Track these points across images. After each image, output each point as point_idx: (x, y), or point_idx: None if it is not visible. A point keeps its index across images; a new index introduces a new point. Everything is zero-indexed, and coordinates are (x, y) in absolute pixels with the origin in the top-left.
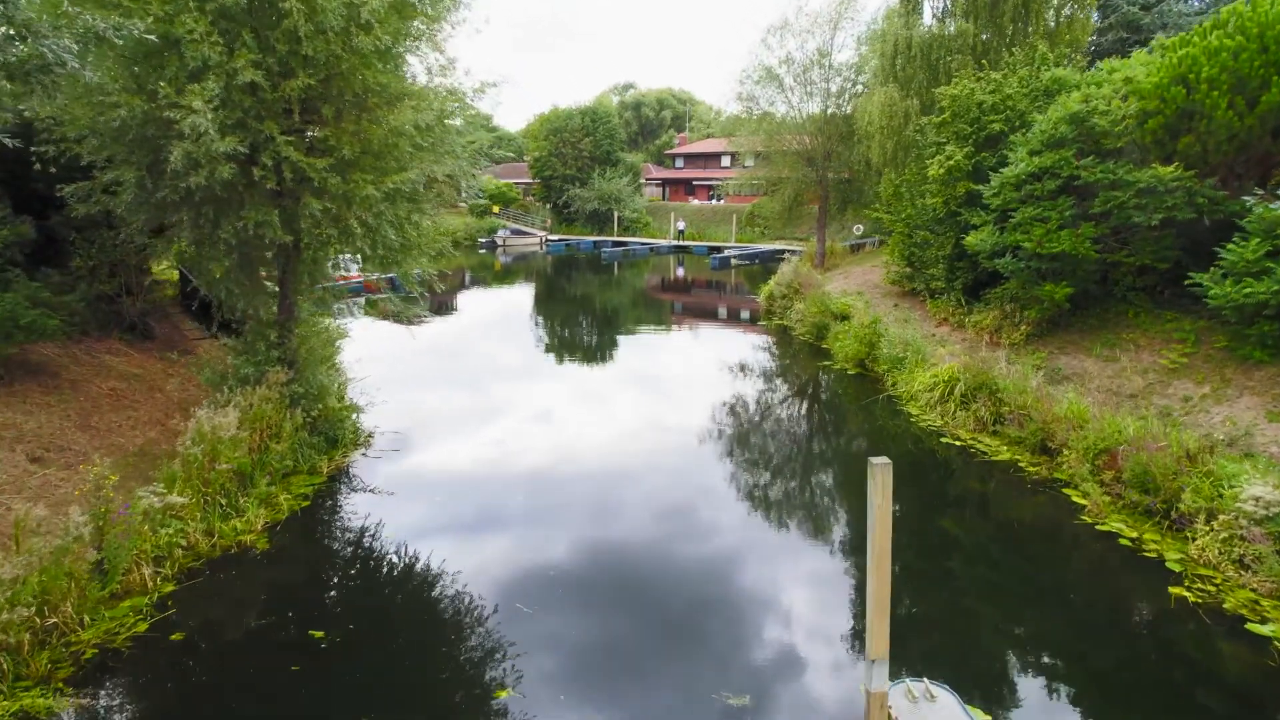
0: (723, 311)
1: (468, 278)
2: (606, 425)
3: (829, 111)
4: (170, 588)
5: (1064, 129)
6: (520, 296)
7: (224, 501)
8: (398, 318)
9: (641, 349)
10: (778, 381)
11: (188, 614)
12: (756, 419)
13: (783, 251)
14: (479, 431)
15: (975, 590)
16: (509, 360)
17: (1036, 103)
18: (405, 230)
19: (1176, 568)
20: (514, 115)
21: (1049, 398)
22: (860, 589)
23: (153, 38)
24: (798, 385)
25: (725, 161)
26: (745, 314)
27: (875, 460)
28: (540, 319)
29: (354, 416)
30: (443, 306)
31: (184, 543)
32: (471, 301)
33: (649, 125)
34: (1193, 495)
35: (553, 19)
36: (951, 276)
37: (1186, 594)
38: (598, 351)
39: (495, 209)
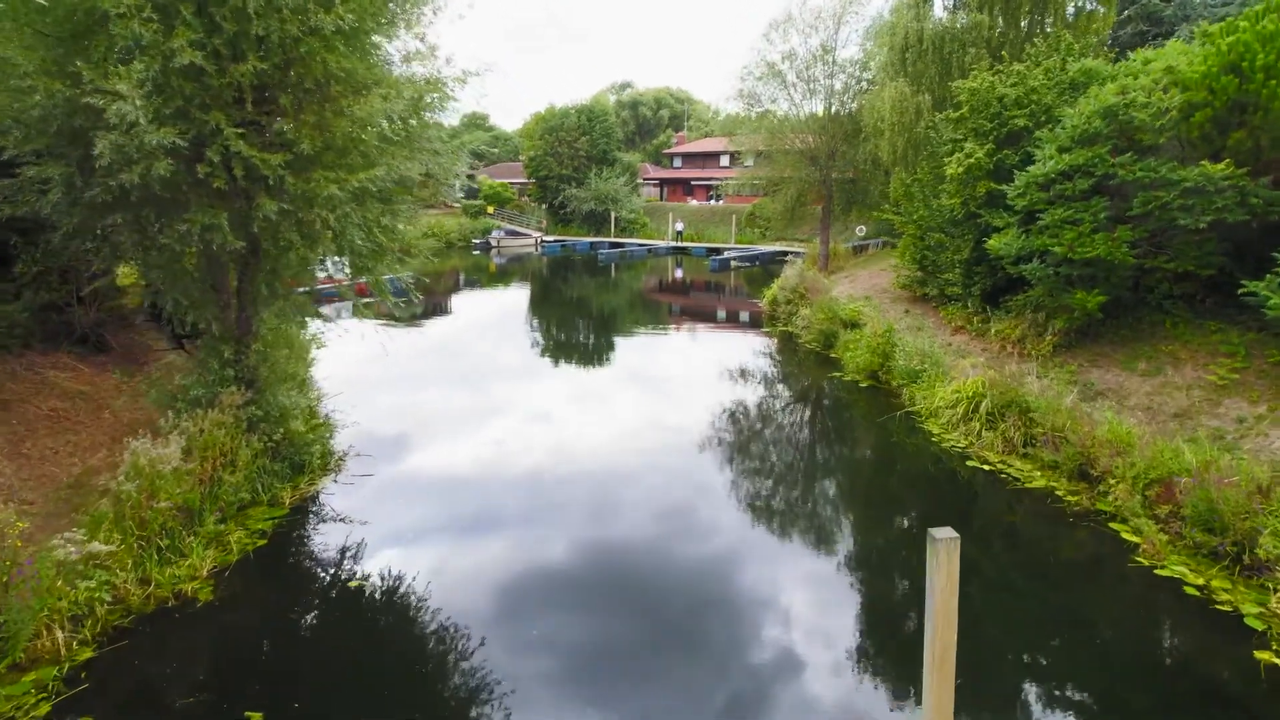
0: (723, 316)
1: (461, 280)
2: (604, 445)
3: (833, 109)
4: (88, 654)
5: (1097, 124)
6: (513, 299)
7: (164, 544)
8: (392, 319)
9: (639, 357)
10: (785, 395)
11: (102, 688)
12: (764, 438)
13: (784, 253)
14: (464, 449)
15: (1020, 642)
16: (499, 368)
17: (1064, 96)
18: (375, 234)
19: (1257, 625)
20: (511, 116)
21: (1087, 418)
22: (893, 631)
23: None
24: (806, 399)
25: (724, 161)
26: (746, 318)
27: (937, 533)
28: (533, 324)
29: (326, 437)
30: (436, 309)
31: (110, 597)
32: (465, 304)
33: (646, 125)
34: (1272, 539)
35: (549, 20)
36: (969, 282)
37: (1276, 660)
38: (593, 358)
39: (490, 209)
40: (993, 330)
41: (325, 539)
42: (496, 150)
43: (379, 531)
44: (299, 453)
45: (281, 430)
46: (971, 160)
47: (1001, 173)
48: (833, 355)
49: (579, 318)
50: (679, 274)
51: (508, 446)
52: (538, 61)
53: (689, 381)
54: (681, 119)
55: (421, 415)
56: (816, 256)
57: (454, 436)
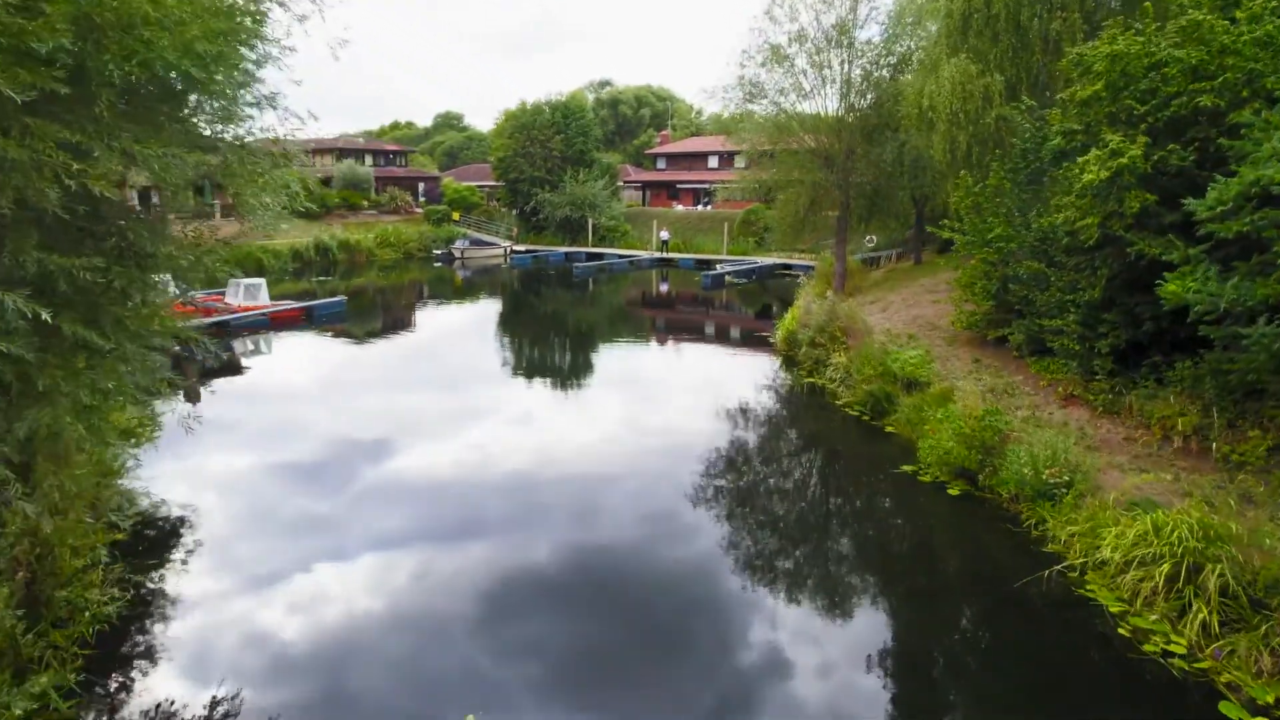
0: (726, 356)
1: (424, 290)
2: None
3: (851, 101)
4: None
5: None
6: (468, 322)
7: None
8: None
9: (615, 437)
10: (835, 513)
11: None
12: (818, 621)
13: (787, 267)
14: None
15: None
16: (428, 417)
17: None
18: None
19: None
20: (489, 118)
21: None
22: None
23: None
24: (870, 522)
25: (713, 163)
26: (756, 360)
27: None
28: (485, 361)
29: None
30: (394, 326)
31: None
32: (418, 325)
33: (627, 124)
34: None
35: (539, 22)
36: (1092, 333)
37: None
38: (553, 439)
39: (455, 215)
40: (1137, 407)
41: None
42: (472, 152)
43: None
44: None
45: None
46: (1124, 160)
47: (1155, 180)
48: (888, 430)
49: (544, 356)
50: (665, 288)
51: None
52: (518, 69)
53: (684, 487)
54: (664, 118)
55: (282, 502)
56: (828, 273)
57: (311, 552)
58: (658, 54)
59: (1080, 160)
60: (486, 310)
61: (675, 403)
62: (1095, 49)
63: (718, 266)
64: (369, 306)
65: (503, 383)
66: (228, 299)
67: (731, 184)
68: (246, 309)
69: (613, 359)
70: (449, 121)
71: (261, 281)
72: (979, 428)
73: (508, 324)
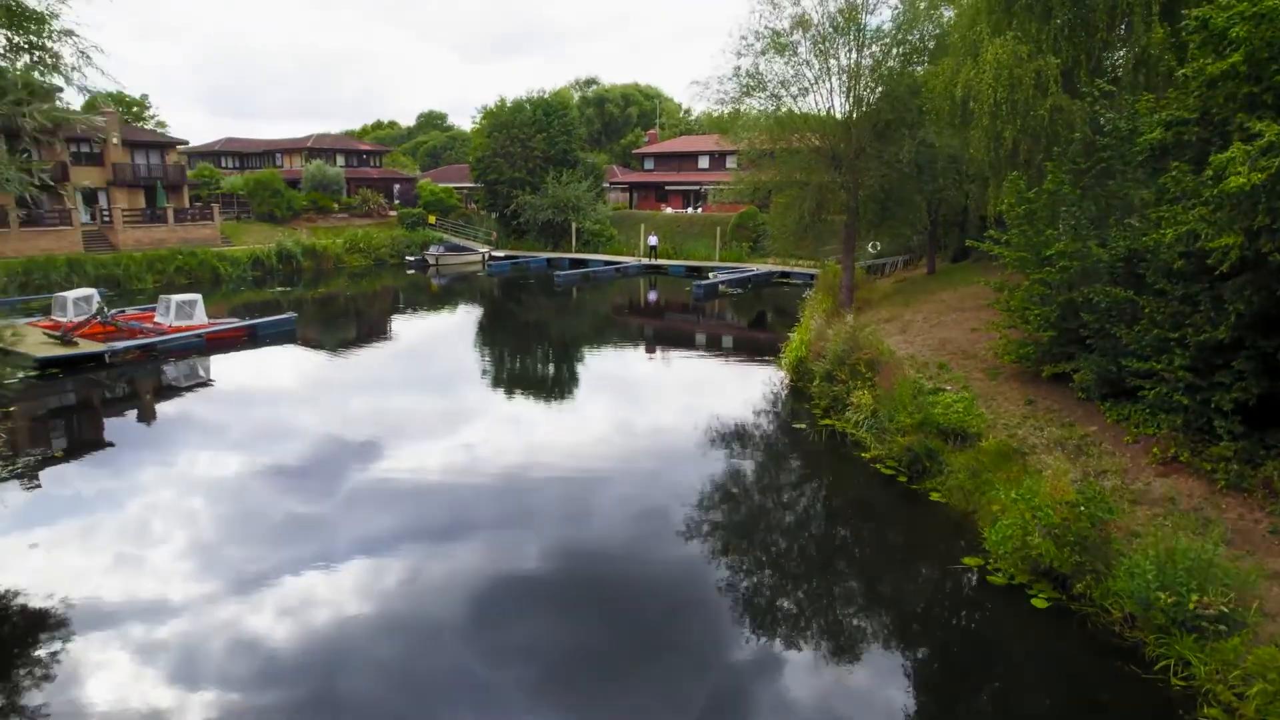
0: (725, 389)
1: (393, 300)
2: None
3: (860, 94)
4: None
5: None
6: (433, 342)
7: None
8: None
9: (597, 501)
10: (880, 633)
11: None
12: None
13: (784, 275)
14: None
15: None
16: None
17: None
18: None
19: None
20: (470, 118)
21: None
22: None
23: None
24: (927, 647)
25: (704, 163)
26: (761, 392)
27: None
28: (451, 397)
29: None
30: (351, 345)
31: None
32: (377, 345)
33: (614, 123)
34: None
35: (522, 27)
36: (1207, 381)
37: None
38: (522, 501)
39: (432, 219)
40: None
41: None
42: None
43: None
44: None
45: None
46: None
47: None
48: (933, 496)
49: (518, 387)
50: (653, 297)
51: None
52: (509, 68)
53: (679, 585)
54: (652, 117)
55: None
56: (832, 284)
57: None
58: (646, 56)
59: (1217, 159)
60: (456, 325)
61: (667, 453)
62: (1231, 5)
63: (710, 275)
64: (328, 320)
65: (473, 420)
66: (157, 318)
67: (726, 186)
68: (178, 329)
69: (594, 389)
70: (432, 121)
71: (197, 298)
72: (1073, 517)
73: (480, 344)
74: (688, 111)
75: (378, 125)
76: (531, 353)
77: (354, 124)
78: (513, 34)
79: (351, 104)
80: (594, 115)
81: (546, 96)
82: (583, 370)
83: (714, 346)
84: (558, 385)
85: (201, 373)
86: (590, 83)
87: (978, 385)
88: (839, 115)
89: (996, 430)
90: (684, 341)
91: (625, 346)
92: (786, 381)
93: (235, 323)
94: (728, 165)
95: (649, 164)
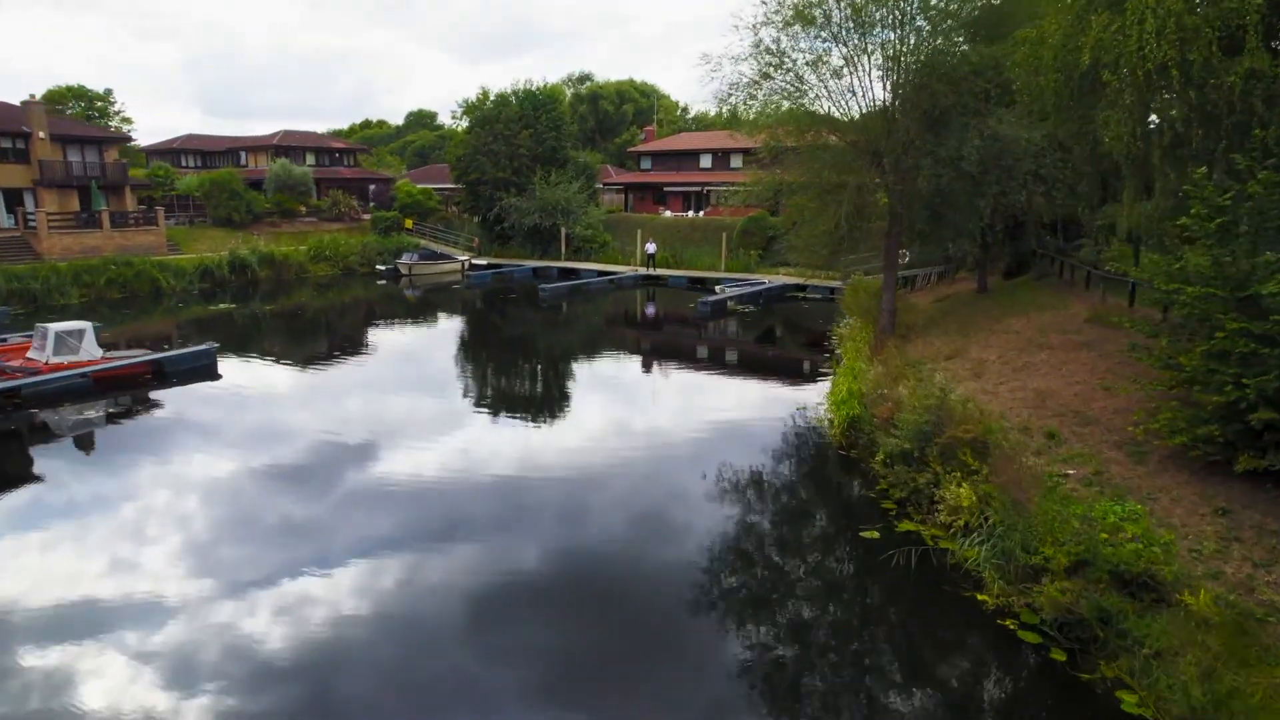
0: (749, 450)
1: (352, 316)
2: None
3: (906, 75)
4: None
5: None
6: (382, 382)
7: None
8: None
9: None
10: None
11: None
12: None
13: (802, 289)
14: None
15: None
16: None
17: None
18: None
19: None
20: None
21: None
22: None
23: None
24: None
25: (706, 161)
26: (798, 455)
27: None
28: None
29: None
30: (285, 384)
31: None
32: (315, 385)
33: (608, 121)
34: None
35: (514, 27)
36: None
37: None
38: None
39: (408, 223)
40: None
41: None
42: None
43: None
44: None
45: None
46: None
47: None
48: (1125, 703)
49: (484, 451)
50: (651, 310)
51: None
52: (502, 68)
53: None
54: (648, 115)
55: None
56: (864, 305)
57: None
58: (642, 55)
59: None
60: (417, 358)
61: (678, 579)
62: None
63: (717, 288)
64: (270, 345)
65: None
66: (31, 353)
67: (740, 188)
68: (56, 368)
69: (577, 463)
70: (421, 120)
71: (85, 326)
72: None
73: (446, 381)
74: (685, 110)
75: (366, 124)
76: (502, 399)
77: (346, 125)
78: (506, 35)
79: (345, 105)
80: (587, 113)
81: (534, 89)
82: (566, 428)
83: (731, 389)
84: (530, 451)
85: (69, 432)
86: (584, 79)
87: (1117, 473)
88: (880, 102)
89: (1193, 568)
90: (691, 383)
91: (617, 390)
92: (834, 443)
93: (136, 357)
94: (732, 165)
95: (646, 163)
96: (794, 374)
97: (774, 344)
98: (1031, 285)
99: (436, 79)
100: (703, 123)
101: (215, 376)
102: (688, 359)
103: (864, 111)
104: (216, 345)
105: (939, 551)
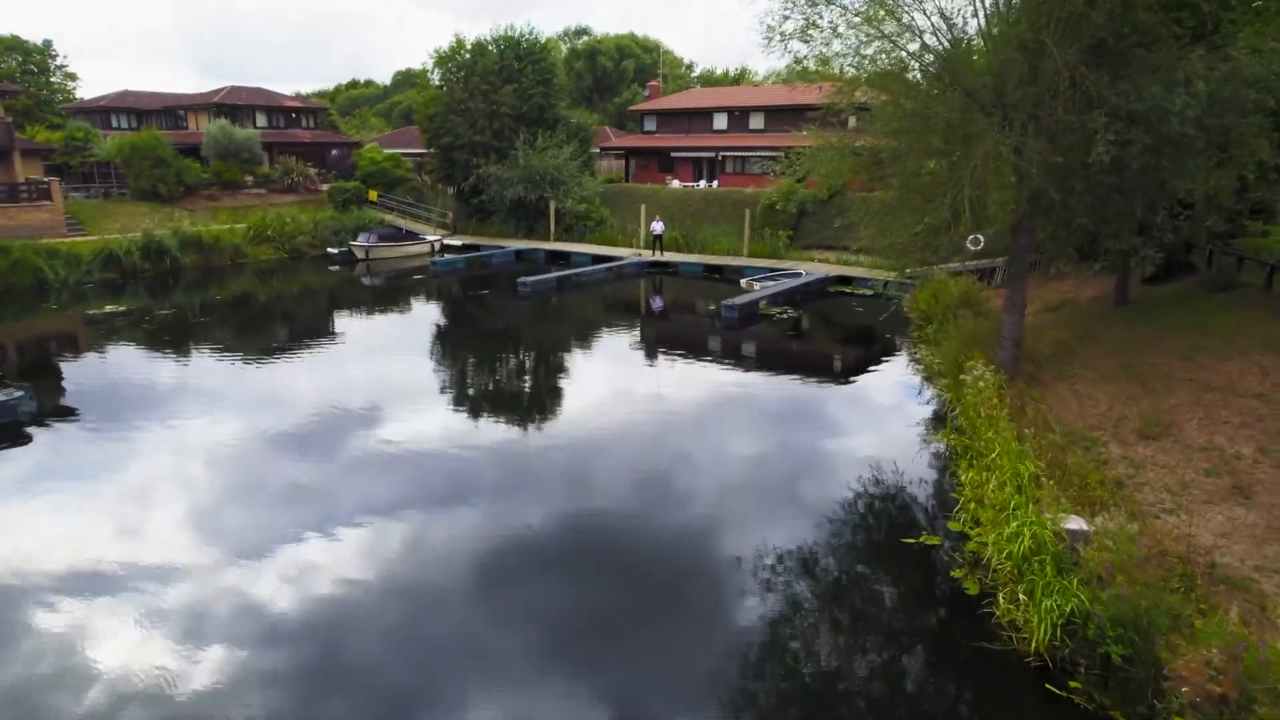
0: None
1: (293, 316)
2: None
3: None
4: None
5: None
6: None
7: None
8: None
9: None
10: None
11: None
12: None
13: (847, 281)
14: None
15: None
16: None
17: None
18: None
19: None
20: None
21: None
22: None
23: None
24: None
25: (720, 122)
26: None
27: None
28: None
29: None
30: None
31: None
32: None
33: (607, 78)
34: None
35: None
36: None
37: None
38: None
39: (373, 195)
40: None
41: None
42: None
43: None
44: None
45: None
46: None
47: None
48: None
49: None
50: (657, 304)
51: None
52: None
53: None
54: (651, 72)
55: None
56: (971, 333)
57: None
58: (644, 9)
59: None
60: (335, 400)
61: None
62: None
63: (743, 282)
64: (137, 377)
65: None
66: None
67: (800, 153)
68: None
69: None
70: (410, 80)
71: None
72: None
73: (359, 439)
74: (690, 67)
75: (353, 84)
76: (456, 478)
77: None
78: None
79: (341, 67)
80: (584, 70)
81: (518, 36)
82: (543, 543)
83: (781, 478)
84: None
85: None
86: (581, 33)
87: None
88: (1011, 30)
89: None
90: (718, 459)
91: (606, 495)
92: (1025, 661)
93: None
94: (751, 125)
95: (650, 124)
96: (883, 445)
97: (837, 377)
98: (1202, 297)
99: (434, 39)
100: (710, 80)
101: (23, 439)
102: (718, 430)
103: (983, 44)
104: (24, 393)
105: None
